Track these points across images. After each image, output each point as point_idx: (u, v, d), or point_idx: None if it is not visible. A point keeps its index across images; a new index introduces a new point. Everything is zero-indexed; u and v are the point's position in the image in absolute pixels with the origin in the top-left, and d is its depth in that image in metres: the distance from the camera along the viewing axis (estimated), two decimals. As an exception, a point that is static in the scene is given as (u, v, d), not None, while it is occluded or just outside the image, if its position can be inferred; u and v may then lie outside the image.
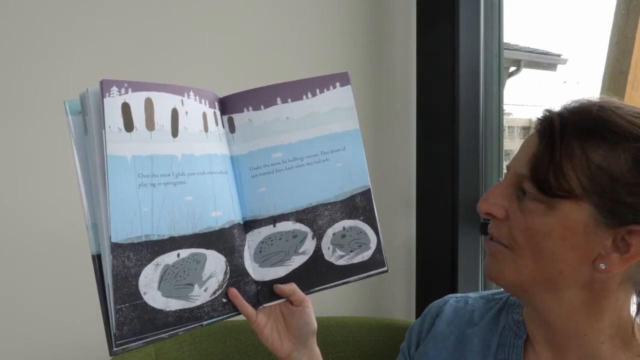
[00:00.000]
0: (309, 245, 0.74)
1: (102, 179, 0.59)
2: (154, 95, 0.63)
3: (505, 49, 1.34)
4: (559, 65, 1.44)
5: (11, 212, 1.13)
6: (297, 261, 0.73)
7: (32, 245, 1.15)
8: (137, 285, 0.61)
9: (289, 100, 0.73)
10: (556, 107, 0.60)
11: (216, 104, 0.71)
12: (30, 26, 1.13)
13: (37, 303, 1.16)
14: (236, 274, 0.69)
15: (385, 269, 0.78)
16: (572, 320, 0.60)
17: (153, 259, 0.62)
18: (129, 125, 0.61)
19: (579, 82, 1.33)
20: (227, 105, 0.72)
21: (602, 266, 0.55)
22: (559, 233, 0.55)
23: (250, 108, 0.72)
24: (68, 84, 1.15)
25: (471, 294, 0.77)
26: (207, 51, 1.31)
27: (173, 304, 0.63)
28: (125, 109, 0.60)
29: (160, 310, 0.62)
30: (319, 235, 0.74)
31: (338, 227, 0.75)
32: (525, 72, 1.46)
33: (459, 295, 0.77)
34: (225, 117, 0.72)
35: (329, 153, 0.74)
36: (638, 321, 0.60)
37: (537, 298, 0.61)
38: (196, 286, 0.65)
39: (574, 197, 0.54)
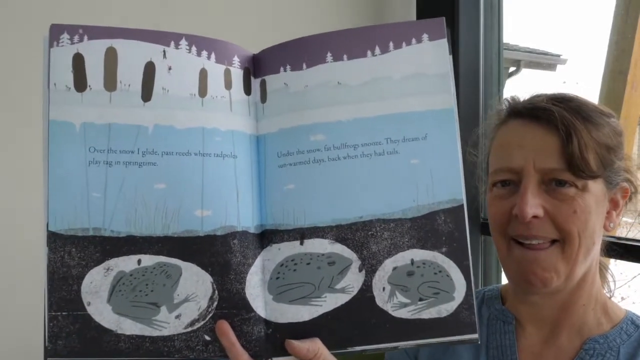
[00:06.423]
0: (353, 280, 0.51)
1: (45, 151, 0.48)
2: (120, 44, 0.48)
3: (505, 49, 1.34)
4: (558, 66, 1.44)
5: (10, 211, 1.12)
6: (331, 301, 0.50)
7: (32, 245, 1.14)
8: (78, 291, 0.48)
9: (345, 57, 0.51)
10: (538, 98, 0.65)
11: (237, 60, 0.52)
12: (32, 23, 1.12)
13: (36, 302, 1.15)
14: (230, 305, 0.50)
15: (476, 336, 0.50)
16: (578, 293, 0.64)
17: (103, 261, 0.48)
18: (80, 84, 0.48)
19: (578, 82, 1.34)
20: (259, 64, 0.53)
21: (611, 225, 0.65)
22: (594, 208, 0.62)
23: (287, 67, 0.52)
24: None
25: None
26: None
27: (127, 326, 0.48)
28: (78, 61, 0.48)
29: (109, 331, 0.48)
30: (370, 267, 0.51)
31: (403, 259, 0.51)
32: (525, 72, 1.46)
33: None
34: (258, 81, 0.53)
35: (400, 142, 0.51)
36: (607, 289, 0.69)
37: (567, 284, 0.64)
38: (163, 309, 0.49)
39: (596, 176, 0.61)
